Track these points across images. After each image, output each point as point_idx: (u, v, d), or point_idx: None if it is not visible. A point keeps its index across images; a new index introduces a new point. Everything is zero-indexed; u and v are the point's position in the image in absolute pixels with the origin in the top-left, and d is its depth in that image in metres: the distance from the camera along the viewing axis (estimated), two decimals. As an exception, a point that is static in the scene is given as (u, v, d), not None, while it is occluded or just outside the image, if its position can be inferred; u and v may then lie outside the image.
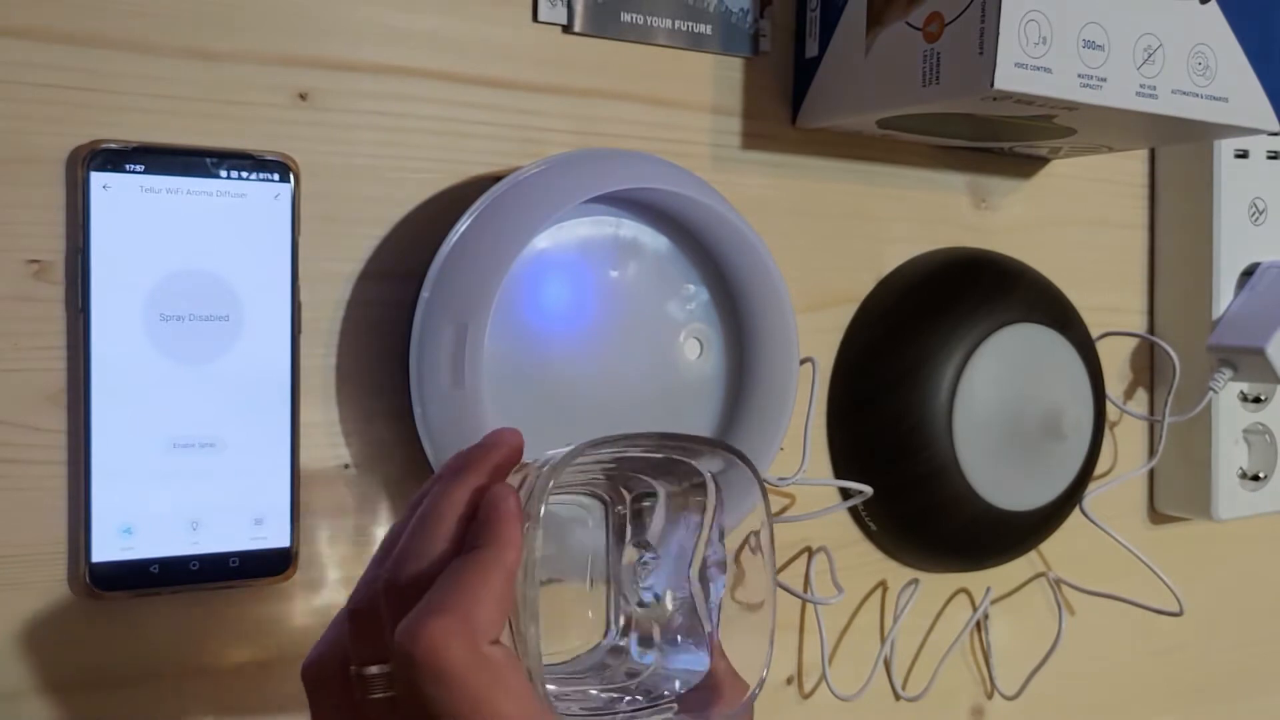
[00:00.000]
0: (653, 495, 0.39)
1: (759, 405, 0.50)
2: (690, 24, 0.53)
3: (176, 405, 0.42)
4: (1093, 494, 0.63)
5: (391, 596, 0.34)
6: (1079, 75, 0.47)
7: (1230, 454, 0.67)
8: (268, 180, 0.44)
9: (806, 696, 0.58)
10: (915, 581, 0.60)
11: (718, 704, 0.37)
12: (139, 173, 0.42)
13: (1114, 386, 0.67)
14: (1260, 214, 0.66)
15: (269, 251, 0.44)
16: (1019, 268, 0.62)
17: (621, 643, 0.39)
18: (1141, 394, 0.69)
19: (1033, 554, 0.65)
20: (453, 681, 0.31)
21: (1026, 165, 0.64)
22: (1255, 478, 0.67)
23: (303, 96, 0.45)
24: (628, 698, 0.38)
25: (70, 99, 0.42)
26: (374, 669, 0.34)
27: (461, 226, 0.44)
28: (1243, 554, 0.74)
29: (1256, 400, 0.67)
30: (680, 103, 0.53)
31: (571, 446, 0.35)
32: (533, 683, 0.33)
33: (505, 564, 0.33)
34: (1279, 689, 0.77)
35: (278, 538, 0.44)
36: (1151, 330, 0.69)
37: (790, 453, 0.55)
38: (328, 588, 0.46)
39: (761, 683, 0.37)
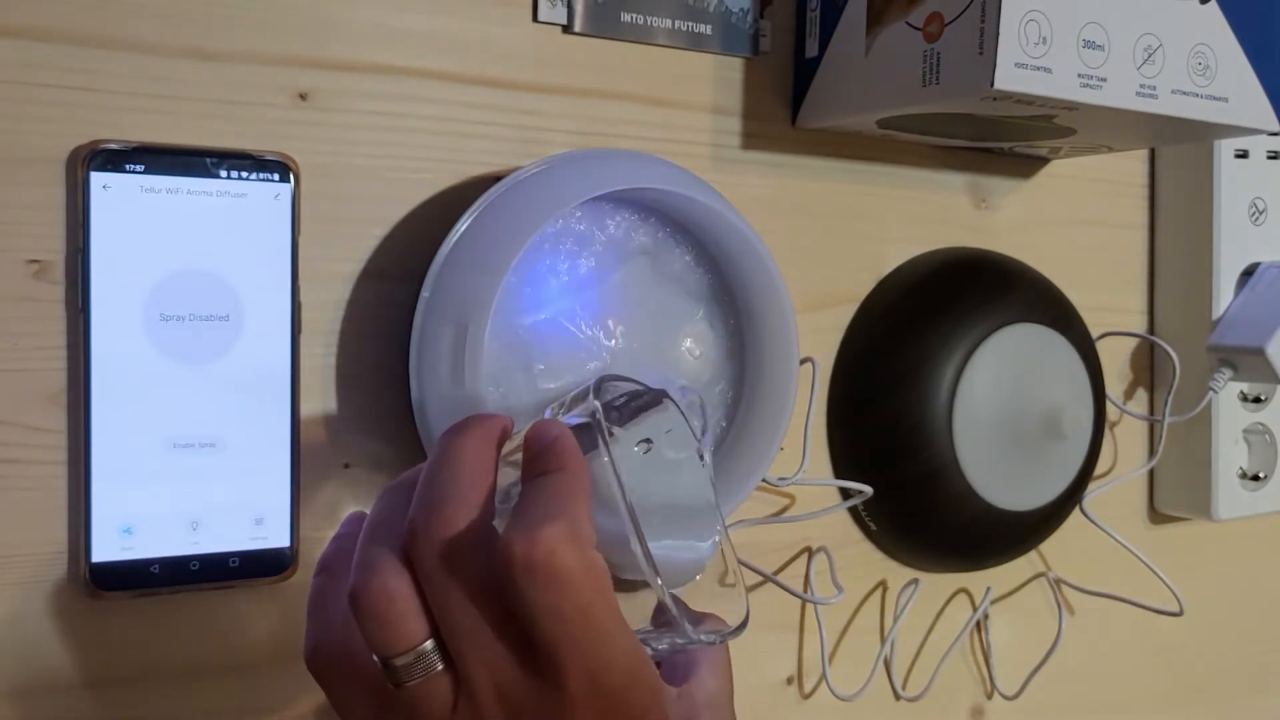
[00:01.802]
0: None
1: (759, 405, 0.50)
2: (690, 24, 0.53)
3: (176, 405, 0.42)
4: (1093, 494, 0.63)
5: (432, 545, 0.32)
6: (1079, 75, 0.47)
7: (1230, 454, 0.67)
8: (268, 180, 0.44)
9: (806, 697, 0.58)
10: (915, 581, 0.60)
11: (707, 622, 0.37)
12: (139, 173, 0.42)
13: (1114, 386, 0.67)
14: (1260, 214, 0.66)
15: (269, 251, 0.44)
16: (1019, 268, 0.62)
17: None
18: (1141, 394, 0.69)
19: (1033, 554, 0.65)
20: (567, 585, 0.31)
21: (1026, 165, 0.64)
22: (1255, 478, 0.67)
23: (303, 96, 0.45)
24: None
25: (70, 99, 0.42)
26: (407, 656, 0.33)
27: (461, 226, 0.44)
28: (1243, 554, 0.74)
29: (1256, 400, 0.67)
30: (680, 103, 0.53)
31: (577, 390, 0.36)
32: (658, 591, 0.33)
33: (584, 483, 0.33)
34: (1279, 689, 0.77)
35: (278, 538, 0.44)
36: (1151, 330, 0.69)
37: (790, 453, 0.55)
38: (328, 588, 0.46)
39: (747, 616, 0.37)
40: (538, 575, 0.31)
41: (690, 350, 0.50)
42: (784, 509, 0.57)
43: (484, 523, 0.33)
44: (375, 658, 0.33)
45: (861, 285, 0.59)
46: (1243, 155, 0.65)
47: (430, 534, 0.33)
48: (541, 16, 0.50)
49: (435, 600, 0.33)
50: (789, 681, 0.58)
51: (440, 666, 0.33)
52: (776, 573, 0.57)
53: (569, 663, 0.32)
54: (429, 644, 0.33)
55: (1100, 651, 0.69)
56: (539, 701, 0.32)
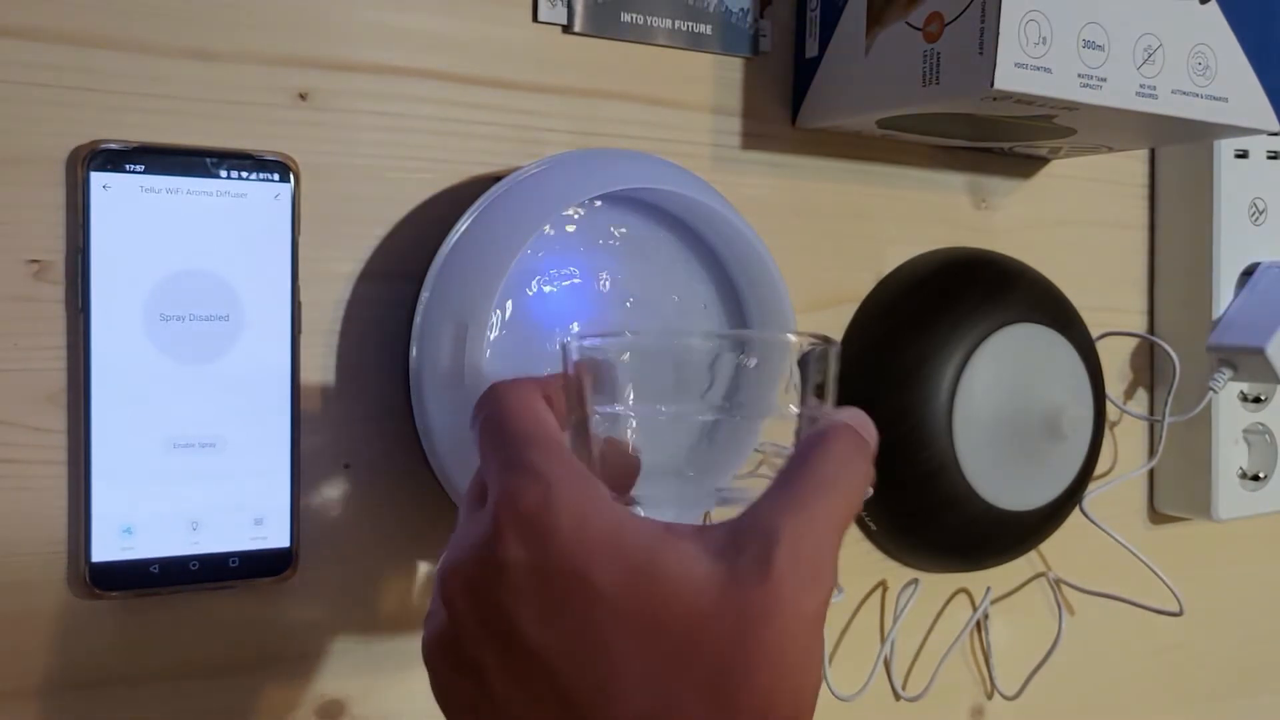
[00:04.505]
0: None
1: (759, 405, 0.50)
2: (690, 24, 0.53)
3: (176, 405, 0.42)
4: (1093, 494, 0.63)
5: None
6: (1079, 75, 0.47)
7: (1230, 454, 0.66)
8: (268, 180, 0.44)
9: (806, 696, 0.58)
10: (915, 581, 0.60)
11: None
12: (139, 173, 0.42)
13: (1114, 386, 0.67)
14: (1260, 214, 0.66)
15: (269, 251, 0.44)
16: (1019, 268, 0.62)
17: None
18: (1141, 394, 0.69)
19: (1033, 554, 0.65)
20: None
21: (1026, 165, 0.64)
22: (1255, 478, 0.67)
23: (303, 96, 0.45)
24: None
25: (70, 99, 0.42)
26: None
27: (461, 226, 0.44)
28: (1243, 554, 0.74)
29: (1256, 400, 0.67)
30: (680, 103, 0.53)
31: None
32: None
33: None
34: (1279, 689, 0.77)
35: (278, 538, 0.44)
36: (1151, 330, 0.69)
37: (790, 453, 0.55)
38: (328, 588, 0.46)
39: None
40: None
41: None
42: (784, 509, 0.57)
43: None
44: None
45: (861, 285, 0.59)
46: (1243, 155, 0.65)
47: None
48: (541, 16, 0.50)
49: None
50: (789, 681, 0.58)
51: None
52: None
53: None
54: None
55: (1100, 651, 0.69)
56: None
